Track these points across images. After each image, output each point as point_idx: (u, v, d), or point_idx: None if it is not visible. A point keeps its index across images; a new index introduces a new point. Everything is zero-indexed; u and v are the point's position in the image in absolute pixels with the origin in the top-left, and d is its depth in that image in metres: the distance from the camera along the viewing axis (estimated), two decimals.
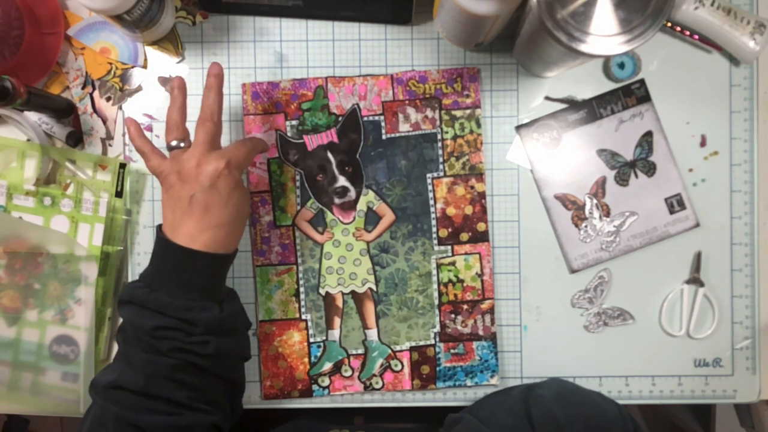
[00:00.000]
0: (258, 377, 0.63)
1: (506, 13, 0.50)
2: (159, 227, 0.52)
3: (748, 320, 0.63)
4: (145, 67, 0.62)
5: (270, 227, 0.62)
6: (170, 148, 0.53)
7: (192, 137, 0.54)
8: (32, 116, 0.61)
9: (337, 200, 0.62)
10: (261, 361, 0.63)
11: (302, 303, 0.63)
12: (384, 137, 0.62)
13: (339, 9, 0.60)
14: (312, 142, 0.62)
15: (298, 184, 0.62)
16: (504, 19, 0.53)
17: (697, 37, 0.60)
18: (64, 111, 0.61)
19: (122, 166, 0.61)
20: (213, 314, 0.50)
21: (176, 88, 0.55)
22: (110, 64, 0.62)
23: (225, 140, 0.62)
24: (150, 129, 0.62)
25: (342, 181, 0.62)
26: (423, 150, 0.62)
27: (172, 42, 0.62)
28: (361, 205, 0.62)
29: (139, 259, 0.63)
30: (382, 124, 0.62)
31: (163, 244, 0.51)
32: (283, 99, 0.62)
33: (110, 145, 0.63)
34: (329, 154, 0.62)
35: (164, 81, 0.62)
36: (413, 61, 0.62)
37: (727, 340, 0.63)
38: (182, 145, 0.53)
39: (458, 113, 0.62)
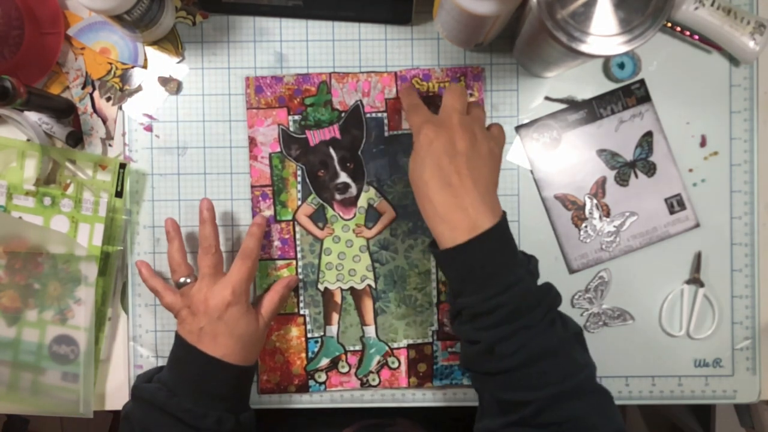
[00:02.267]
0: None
1: (506, 13, 0.50)
2: (178, 333, 0.56)
3: (748, 320, 0.63)
4: (145, 67, 0.62)
5: (270, 222, 0.62)
6: (179, 286, 0.58)
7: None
8: (32, 116, 0.61)
9: (338, 196, 0.62)
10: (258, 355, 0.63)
11: (301, 298, 0.63)
12: (386, 134, 0.62)
13: (339, 9, 0.60)
14: (314, 137, 0.62)
15: (299, 179, 0.62)
16: (504, 19, 0.53)
17: (697, 37, 0.60)
18: (64, 111, 0.61)
19: (122, 166, 0.61)
20: (227, 426, 0.54)
21: (170, 231, 0.59)
22: (110, 64, 0.62)
23: (225, 140, 0.62)
24: (150, 129, 0.62)
25: (343, 177, 0.62)
26: None
27: (172, 42, 0.62)
28: (362, 202, 0.62)
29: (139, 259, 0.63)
30: (385, 121, 0.62)
31: (187, 349, 0.54)
32: (286, 94, 0.62)
33: (110, 145, 0.63)
34: (331, 150, 0.62)
35: (164, 81, 0.62)
36: (413, 61, 0.62)
37: (727, 341, 0.63)
38: (189, 280, 0.58)
39: None
